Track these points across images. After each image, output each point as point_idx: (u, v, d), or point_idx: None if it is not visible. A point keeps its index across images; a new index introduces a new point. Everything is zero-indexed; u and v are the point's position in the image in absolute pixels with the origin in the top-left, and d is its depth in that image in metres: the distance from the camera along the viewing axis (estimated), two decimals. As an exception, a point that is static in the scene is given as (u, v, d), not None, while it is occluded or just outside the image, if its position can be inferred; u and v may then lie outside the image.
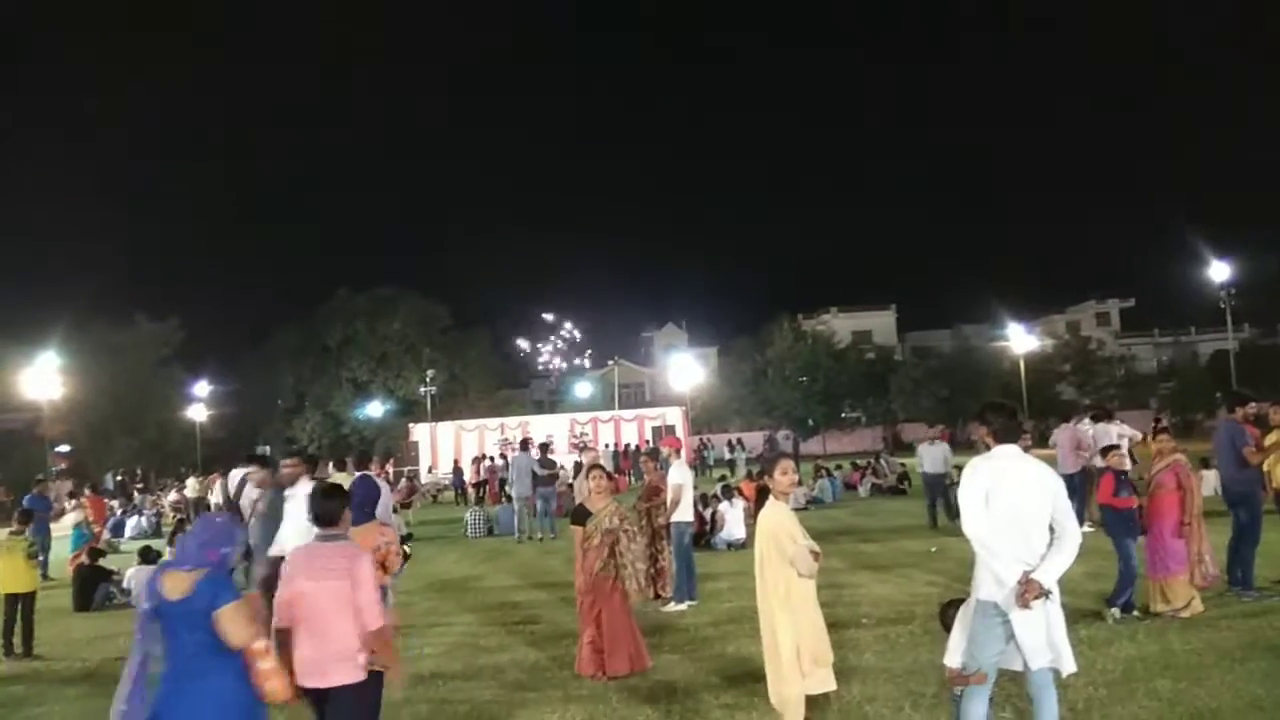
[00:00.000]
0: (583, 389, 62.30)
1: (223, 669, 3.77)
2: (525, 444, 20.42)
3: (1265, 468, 9.55)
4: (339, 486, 5.09)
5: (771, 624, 4.82)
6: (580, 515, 7.02)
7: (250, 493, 9.04)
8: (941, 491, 14.97)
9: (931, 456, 15.59)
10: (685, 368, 43.10)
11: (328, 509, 4.42)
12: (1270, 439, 9.19)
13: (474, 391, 52.45)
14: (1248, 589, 8.24)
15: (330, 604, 4.10)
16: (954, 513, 13.92)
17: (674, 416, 38.10)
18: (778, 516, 4.97)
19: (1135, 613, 7.80)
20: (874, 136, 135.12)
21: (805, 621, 4.78)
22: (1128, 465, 8.57)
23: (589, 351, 66.23)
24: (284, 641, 4.13)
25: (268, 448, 50.37)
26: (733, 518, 14.13)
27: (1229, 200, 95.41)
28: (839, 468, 25.16)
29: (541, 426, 38.26)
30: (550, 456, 17.86)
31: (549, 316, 63.24)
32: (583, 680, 6.88)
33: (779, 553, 4.84)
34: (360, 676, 4.11)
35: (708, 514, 14.53)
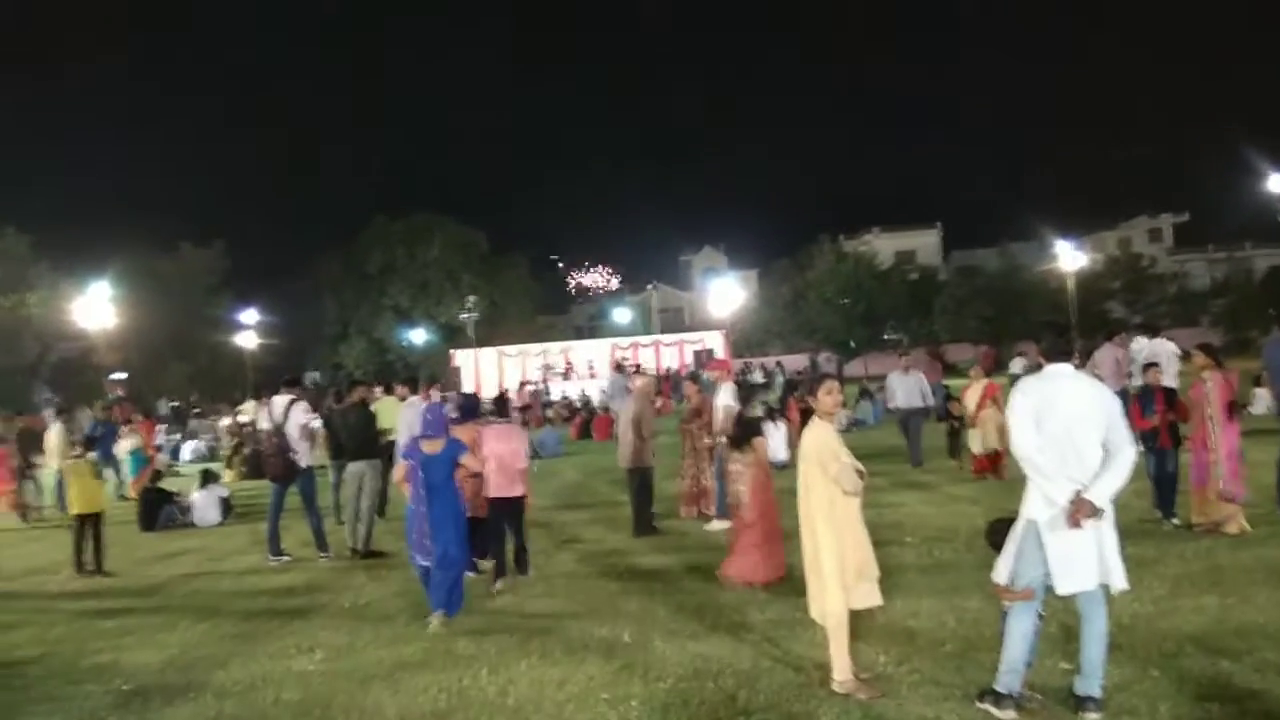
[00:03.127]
0: (622, 314, 62.37)
1: (453, 493, 6.84)
2: (620, 366, 22.00)
3: None
4: (502, 397, 9.22)
5: (814, 540, 4.86)
6: (752, 433, 7.44)
7: (299, 415, 9.26)
8: (917, 428, 13.27)
9: (905, 388, 13.39)
10: (725, 291, 42.75)
11: (501, 407, 8.53)
12: None
13: (514, 317, 52.74)
14: (1300, 507, 8.13)
15: (508, 454, 7.62)
16: (919, 456, 13.00)
17: (714, 340, 38.05)
18: (822, 435, 4.97)
19: (1175, 522, 8.15)
20: (915, 47, 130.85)
21: (849, 538, 4.81)
22: (1167, 382, 8.61)
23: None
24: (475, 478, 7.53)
25: (317, 374, 51.38)
26: (775, 439, 14.16)
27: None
28: (881, 390, 25.00)
29: (583, 352, 38.48)
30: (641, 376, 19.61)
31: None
32: (630, 595, 7.06)
33: (823, 471, 4.85)
34: (522, 491, 7.73)
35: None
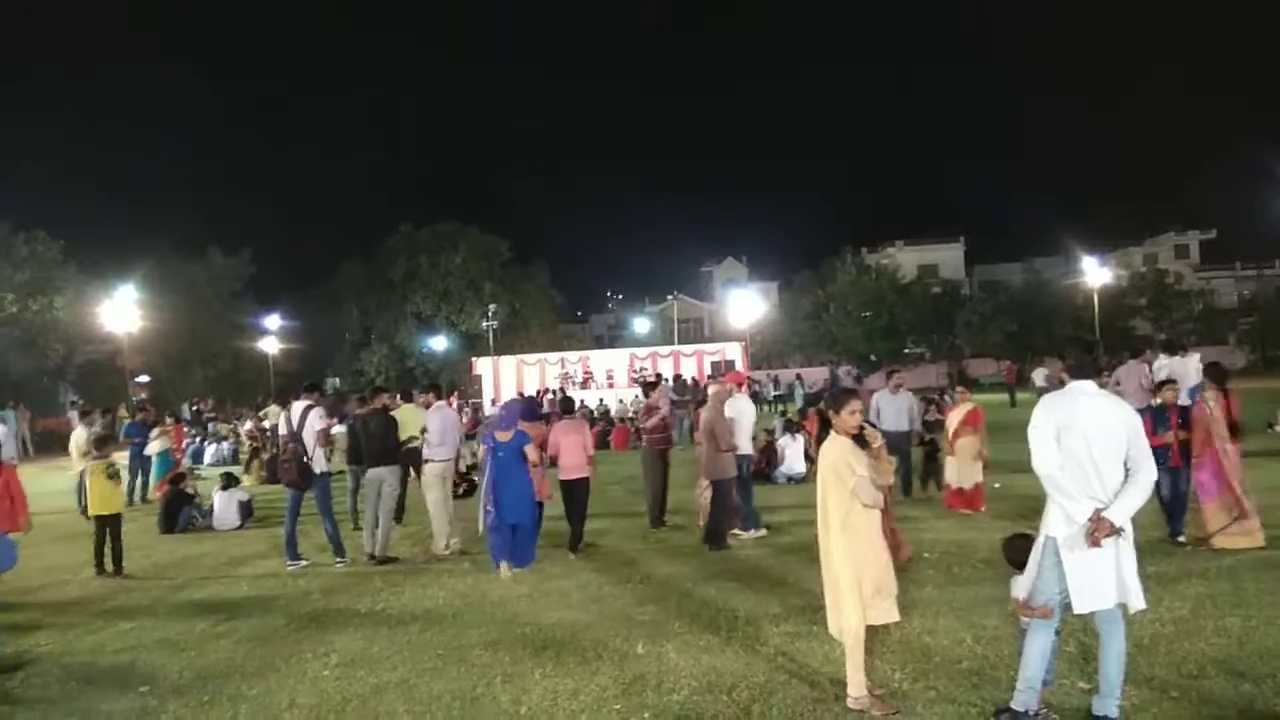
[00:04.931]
0: (642, 324, 62.41)
1: (522, 471, 8.35)
2: (659, 378, 22.75)
3: None
4: (568, 397, 11.18)
5: (831, 554, 4.83)
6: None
7: (315, 421, 9.30)
8: (905, 456, 11.55)
9: (894, 409, 11.55)
10: (745, 302, 42.69)
11: (568, 407, 10.37)
12: None
13: (534, 326, 52.92)
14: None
15: (576, 443, 9.26)
16: (915, 482, 11.88)
17: (734, 351, 37.96)
18: (840, 448, 4.94)
19: (1182, 540, 8.14)
20: (944, 64, 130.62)
21: (868, 553, 4.77)
22: (1182, 399, 8.60)
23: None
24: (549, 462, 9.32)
25: (337, 380, 51.74)
26: (793, 452, 14.12)
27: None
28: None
29: (602, 361, 38.51)
30: (683, 384, 22.44)
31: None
32: (644, 605, 7.05)
33: (840, 484, 4.83)
34: (587, 474, 9.29)
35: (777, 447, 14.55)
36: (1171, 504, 8.29)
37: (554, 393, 29.15)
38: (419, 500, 10.14)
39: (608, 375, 36.95)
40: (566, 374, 36.74)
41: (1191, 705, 4.60)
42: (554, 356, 38.77)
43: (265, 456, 18.55)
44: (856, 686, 4.73)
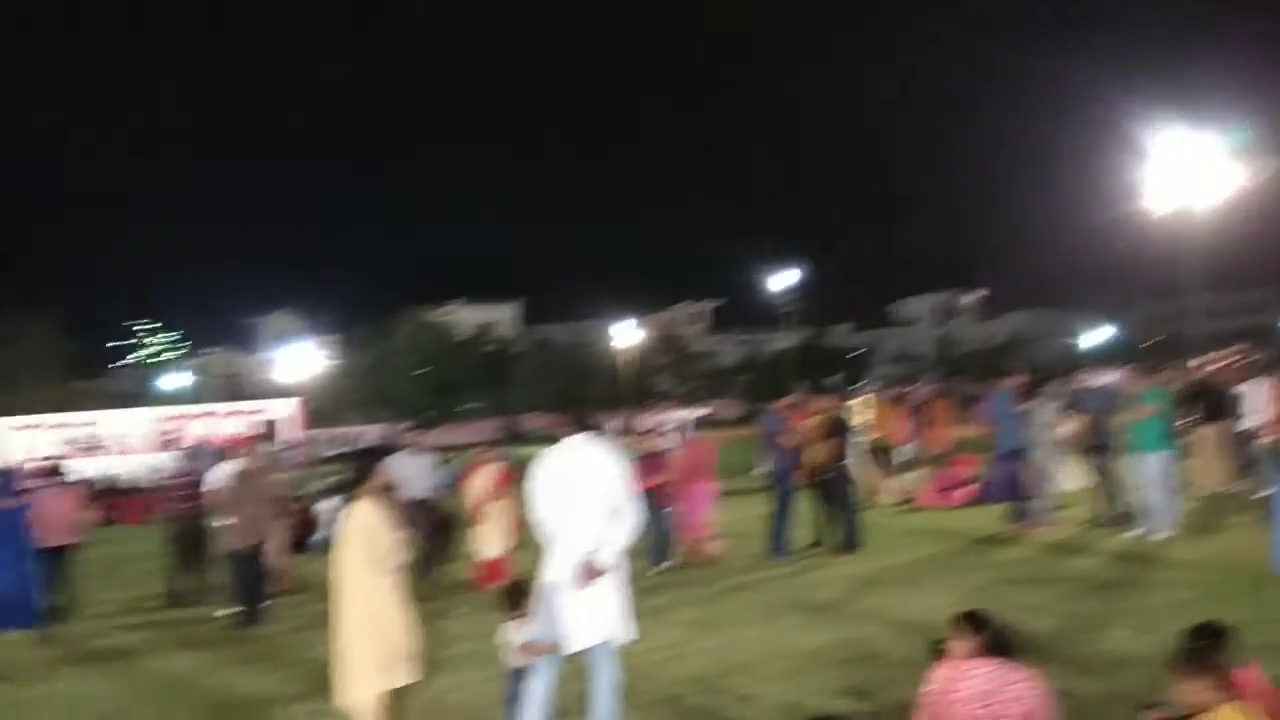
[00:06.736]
0: (176, 380, 56.15)
1: (16, 537, 8.33)
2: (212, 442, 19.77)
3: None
4: (55, 468, 10.48)
5: (345, 622, 4.74)
6: None
7: None
8: (426, 519, 9.50)
9: (415, 471, 9.58)
10: (300, 357, 40.39)
11: (53, 474, 10.04)
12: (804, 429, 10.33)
13: (32, 383, 44.65)
14: (783, 554, 9.70)
15: (61, 509, 9.19)
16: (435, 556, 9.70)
17: (283, 409, 35.56)
18: (364, 515, 4.90)
19: (665, 566, 9.47)
20: (478, 137, 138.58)
21: (385, 618, 4.75)
22: (661, 448, 10.11)
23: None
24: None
25: None
26: (329, 516, 13.59)
27: (806, 210, 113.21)
28: (448, 461, 25.20)
29: (116, 424, 33.67)
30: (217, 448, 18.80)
31: None
32: (140, 707, 6.25)
33: (361, 549, 4.77)
34: (75, 539, 9.28)
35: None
36: (658, 540, 9.42)
37: (53, 461, 24.90)
38: None
39: (123, 440, 32.41)
40: (72, 439, 31.55)
41: (674, 720, 5.22)
42: (52, 419, 33.03)
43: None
44: (372, 757, 4.64)
